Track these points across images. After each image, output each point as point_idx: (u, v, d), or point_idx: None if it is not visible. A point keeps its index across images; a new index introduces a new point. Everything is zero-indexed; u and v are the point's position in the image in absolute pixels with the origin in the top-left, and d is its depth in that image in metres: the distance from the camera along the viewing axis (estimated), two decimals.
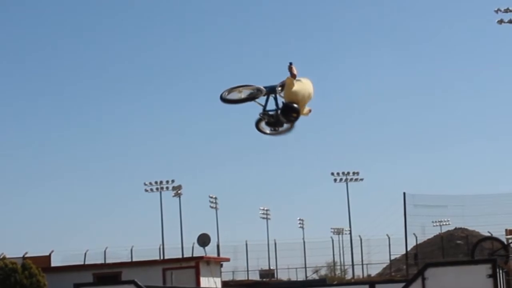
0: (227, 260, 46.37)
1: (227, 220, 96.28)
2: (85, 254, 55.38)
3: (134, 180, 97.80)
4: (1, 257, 37.81)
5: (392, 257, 62.62)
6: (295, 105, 12.34)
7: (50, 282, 36.73)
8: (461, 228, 65.35)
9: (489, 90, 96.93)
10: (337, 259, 68.50)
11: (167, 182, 71.00)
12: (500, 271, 17.94)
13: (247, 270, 64.61)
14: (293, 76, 12.43)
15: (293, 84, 12.42)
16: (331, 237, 67.76)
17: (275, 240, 64.78)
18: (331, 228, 75.69)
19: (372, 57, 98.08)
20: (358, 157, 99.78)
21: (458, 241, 64.68)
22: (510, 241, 24.24)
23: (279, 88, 12.82)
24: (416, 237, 57.80)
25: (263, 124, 13.02)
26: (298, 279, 62.00)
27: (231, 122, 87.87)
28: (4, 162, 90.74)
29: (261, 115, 12.84)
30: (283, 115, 12.45)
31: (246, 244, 63.79)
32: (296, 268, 65.21)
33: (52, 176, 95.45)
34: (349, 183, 72.24)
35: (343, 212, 71.73)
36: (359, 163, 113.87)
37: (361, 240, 64.28)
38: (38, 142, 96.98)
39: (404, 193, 55.18)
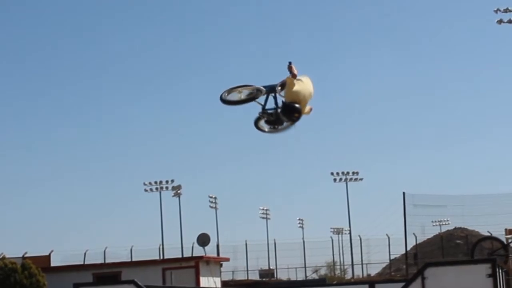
0: (227, 260, 46.39)
1: (227, 220, 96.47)
2: (85, 254, 55.37)
3: (134, 180, 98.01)
4: (1, 257, 37.80)
5: (392, 257, 62.62)
6: (297, 105, 12.36)
7: (49, 282, 36.73)
8: (460, 228, 65.32)
9: (489, 90, 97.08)
10: (336, 259, 68.61)
11: (167, 182, 71.02)
12: (500, 271, 17.94)
13: (247, 270, 64.64)
14: (293, 76, 12.44)
15: (293, 84, 12.43)
16: (331, 237, 67.85)
17: (274, 240, 64.83)
18: (331, 228, 75.84)
19: (372, 57, 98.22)
20: (358, 157, 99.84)
21: (458, 241, 64.65)
22: (509, 240, 24.22)
23: (279, 88, 12.83)
24: (416, 237, 57.79)
25: (262, 123, 13.02)
26: (298, 279, 61.98)
27: (231, 122, 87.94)
28: (4, 162, 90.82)
29: (261, 114, 12.85)
30: (285, 115, 12.47)
31: (246, 244, 63.80)
32: (296, 268, 65.21)
33: (52, 176, 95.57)
34: (348, 183, 72.33)
35: (343, 212, 71.85)
36: (359, 163, 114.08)
37: (360, 240, 64.29)
38: (38, 142, 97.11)
39: (404, 193, 55.20)
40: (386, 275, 60.72)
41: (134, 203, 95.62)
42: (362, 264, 65.60)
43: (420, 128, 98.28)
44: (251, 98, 12.85)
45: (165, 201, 71.12)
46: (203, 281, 38.29)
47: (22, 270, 35.83)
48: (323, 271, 66.72)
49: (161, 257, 54.96)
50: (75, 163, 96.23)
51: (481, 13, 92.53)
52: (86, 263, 50.50)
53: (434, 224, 64.97)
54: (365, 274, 65.13)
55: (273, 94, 12.84)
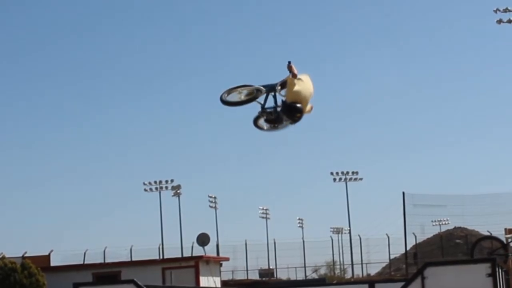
0: (227, 259, 46.42)
1: (227, 220, 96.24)
2: (85, 253, 55.40)
3: (134, 180, 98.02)
4: (1, 256, 37.78)
5: (392, 257, 62.66)
6: (299, 105, 12.39)
7: (49, 282, 36.73)
8: (460, 228, 65.35)
9: (489, 90, 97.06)
10: (336, 258, 68.66)
11: (167, 181, 71.06)
12: (500, 270, 17.93)
13: (247, 270, 64.67)
14: (293, 75, 12.46)
15: (294, 84, 12.44)
16: (331, 237, 67.90)
17: (274, 239, 64.87)
18: (331, 228, 75.85)
19: (372, 57, 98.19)
20: (358, 157, 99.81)
21: (458, 241, 64.67)
22: (509, 240, 24.22)
23: (279, 87, 12.84)
24: (416, 237, 57.81)
25: (261, 121, 13.03)
26: (298, 279, 61.99)
27: (231, 122, 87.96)
28: (4, 161, 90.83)
29: (260, 113, 12.86)
30: (288, 115, 12.49)
31: (246, 244, 63.82)
32: (296, 268, 65.25)
33: (51, 176, 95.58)
34: (348, 183, 72.38)
35: (343, 211, 71.88)
36: (359, 162, 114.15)
37: (360, 239, 64.32)
38: (38, 142, 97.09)
39: (404, 193, 55.22)
40: (386, 275, 60.76)
41: (134, 203, 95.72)
42: (362, 263, 65.67)
43: (420, 128, 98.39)
44: (251, 98, 12.86)
45: (165, 201, 71.25)
46: (203, 280, 38.29)
47: (22, 270, 35.83)
48: (323, 271, 66.78)
49: (161, 257, 54.93)
50: (75, 163, 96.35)
51: (481, 13, 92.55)
52: (85, 262, 50.54)
53: (433, 223, 65.06)
54: (365, 274, 65.17)
55: (272, 94, 12.86)
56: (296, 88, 12.43)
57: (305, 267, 65.11)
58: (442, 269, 17.57)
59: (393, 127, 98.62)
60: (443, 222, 66.99)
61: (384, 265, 65.80)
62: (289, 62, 12.52)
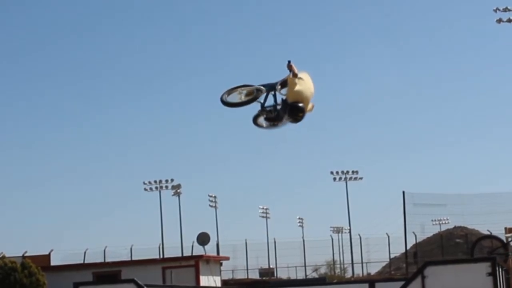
0: (227, 259, 46.39)
1: (227, 219, 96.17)
2: (85, 253, 55.41)
3: (134, 179, 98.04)
4: (1, 256, 37.76)
5: (392, 256, 62.66)
6: (301, 105, 12.41)
7: (49, 281, 36.72)
8: (460, 227, 65.36)
9: (489, 89, 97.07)
10: (336, 257, 68.64)
11: (167, 181, 71.07)
12: (500, 270, 17.93)
13: (247, 269, 64.67)
14: (294, 75, 12.48)
15: (295, 84, 12.46)
16: (331, 236, 67.87)
17: (274, 239, 64.88)
18: (331, 227, 75.83)
19: (372, 56, 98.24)
20: (358, 156, 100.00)
21: (458, 240, 64.67)
22: (509, 239, 24.22)
23: (279, 86, 12.85)
24: (416, 236, 57.80)
25: (261, 119, 13.05)
26: (298, 278, 61.98)
27: (230, 121, 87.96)
28: (4, 161, 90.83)
29: (260, 111, 12.87)
30: (290, 115, 12.50)
31: (246, 243, 63.82)
32: (296, 267, 65.25)
33: (51, 176, 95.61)
34: (348, 182, 72.36)
35: (343, 211, 71.88)
36: (359, 162, 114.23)
37: (360, 238, 64.29)
38: (38, 141, 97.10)
39: (404, 192, 55.23)
40: (386, 274, 60.78)
41: (134, 203, 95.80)
42: (362, 263, 65.64)
43: (420, 128, 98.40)
44: (252, 99, 12.87)
45: (165, 200, 71.26)
46: (203, 280, 38.29)
47: (22, 269, 35.83)
48: (323, 270, 66.77)
49: (161, 256, 54.95)
50: (75, 163, 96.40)
51: (481, 12, 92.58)
52: (86, 262, 50.54)
53: (434, 223, 65.05)
54: (365, 273, 65.17)
55: (272, 93, 12.88)
56: (297, 88, 12.45)
57: (305, 266, 65.11)
58: (442, 268, 17.57)
59: (393, 127, 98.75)
60: (443, 221, 67.01)
61: (384, 264, 65.82)
62: (289, 61, 12.53)
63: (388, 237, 60.26)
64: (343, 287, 28.68)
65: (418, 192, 57.77)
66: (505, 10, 47.08)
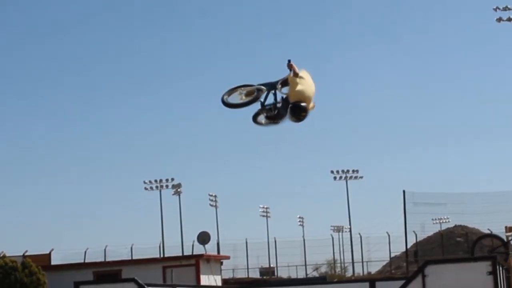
0: (227, 258, 46.38)
1: (227, 218, 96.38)
2: (85, 252, 55.43)
3: (134, 178, 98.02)
4: (1, 255, 37.78)
5: (392, 255, 62.66)
6: (303, 104, 12.44)
7: (50, 281, 36.73)
8: (461, 226, 65.37)
9: (489, 88, 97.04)
10: (337, 256, 68.62)
11: (167, 180, 71.06)
12: (500, 268, 17.93)
13: (247, 268, 64.67)
14: (295, 74, 12.49)
15: (297, 83, 12.48)
16: (331, 235, 67.86)
17: (275, 238, 64.89)
18: (331, 226, 75.81)
19: (372, 56, 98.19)
20: (358, 155, 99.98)
21: (458, 239, 64.70)
22: (510, 238, 24.24)
23: (280, 85, 12.85)
24: (416, 235, 57.79)
25: (260, 117, 13.06)
26: (298, 277, 61.99)
27: (231, 121, 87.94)
28: (4, 160, 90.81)
29: (260, 109, 12.88)
30: (293, 115, 12.51)
31: (246, 242, 63.83)
32: (296, 266, 65.29)
33: (52, 175, 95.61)
34: (348, 181, 72.25)
35: (343, 210, 71.83)
36: (359, 161, 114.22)
37: (361, 238, 64.31)
38: (38, 141, 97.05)
39: (404, 191, 55.15)
40: (386, 273, 60.80)
41: (134, 202, 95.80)
42: (362, 262, 65.63)
43: (420, 127, 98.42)
44: (253, 99, 12.88)
45: (165, 199, 71.25)
46: (204, 279, 38.29)
47: (23, 269, 35.83)
48: (323, 269, 66.77)
49: (162, 256, 55.02)
50: (75, 162, 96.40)
51: (481, 11, 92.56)
52: (86, 261, 50.59)
53: (434, 222, 65.01)
54: (365, 272, 65.17)
55: (273, 92, 12.89)
56: (299, 87, 12.47)
57: (305, 265, 65.14)
58: (443, 267, 17.57)
59: (394, 126, 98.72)
60: (444, 220, 66.99)
61: (384, 263, 65.85)
62: (289, 61, 12.54)
63: (389, 236, 60.28)
64: (344, 286, 28.62)
65: (419, 191, 57.75)
66: (505, 9, 47.07)
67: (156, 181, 71.26)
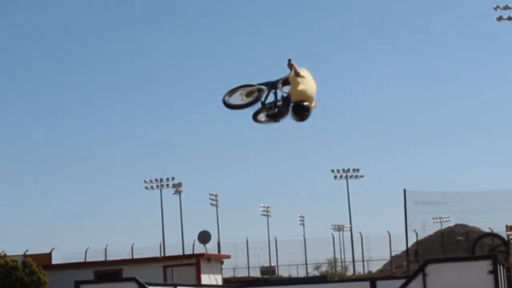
0: (228, 257, 46.41)
1: (228, 217, 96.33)
2: (86, 251, 55.45)
3: (134, 177, 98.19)
4: (2, 255, 37.85)
5: (393, 254, 62.69)
6: (306, 104, 12.46)
7: (50, 280, 36.77)
8: (461, 225, 65.40)
9: (488, 87, 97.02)
10: (337, 255, 68.69)
11: (167, 179, 71.08)
12: (501, 267, 17.92)
13: (248, 267, 64.72)
14: (296, 74, 12.50)
15: (298, 83, 12.50)
16: (332, 234, 67.87)
17: (275, 237, 64.96)
18: (332, 225, 75.80)
19: (373, 55, 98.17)
20: (359, 154, 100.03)
21: (459, 238, 64.74)
22: (510, 237, 24.21)
23: (280, 85, 12.86)
24: (417, 234, 57.83)
25: (260, 116, 13.07)
26: (299, 276, 62.01)
27: (231, 120, 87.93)
28: (5, 160, 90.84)
29: (261, 108, 12.89)
30: (296, 115, 12.53)
31: (247, 241, 63.91)
32: (297, 265, 65.34)
33: (52, 174, 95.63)
34: (349, 180, 72.22)
35: (344, 209, 71.83)
36: (360, 160, 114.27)
37: (361, 236, 64.36)
38: (38, 140, 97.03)
39: (405, 190, 55.13)
40: (387, 272, 60.82)
41: (134, 201, 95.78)
42: (363, 261, 65.69)
43: (420, 126, 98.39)
44: (254, 100, 12.89)
45: (166, 198, 71.29)
46: (204, 278, 38.32)
47: (23, 268, 35.87)
48: (324, 268, 66.80)
49: (162, 255, 55.07)
50: (76, 161, 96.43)
51: (481, 10, 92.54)
52: (87, 260, 50.60)
53: (434, 221, 65.01)
54: (366, 271, 65.20)
55: (274, 91, 12.91)
56: (301, 87, 12.49)
57: (306, 264, 65.19)
58: (443, 266, 17.54)
59: (394, 125, 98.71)
60: (444, 219, 67.00)
61: (385, 262, 65.88)
62: (289, 60, 12.54)
63: (389, 235, 60.34)
64: (344, 285, 28.61)
65: (419, 190, 57.73)
66: (506, 8, 47.07)
67: (156, 180, 71.30)
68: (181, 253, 54.85)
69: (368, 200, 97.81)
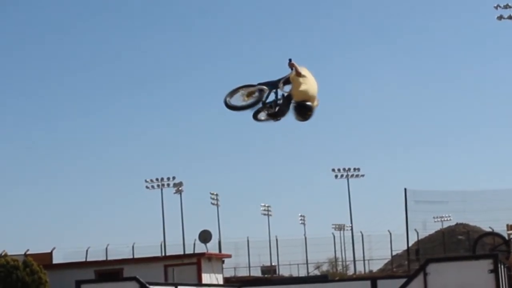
0: (229, 256, 46.39)
1: (229, 217, 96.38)
2: (87, 251, 55.43)
3: (135, 177, 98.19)
4: (3, 254, 37.85)
5: (394, 253, 62.70)
6: (309, 104, 12.47)
7: (51, 279, 36.78)
8: (462, 224, 65.36)
9: (489, 87, 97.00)
10: (338, 255, 68.71)
11: (168, 179, 71.06)
12: (502, 266, 17.92)
13: (249, 267, 64.70)
14: (298, 74, 12.50)
15: (300, 83, 12.51)
16: (333, 233, 67.85)
17: (276, 236, 64.96)
18: (333, 224, 75.79)
19: (373, 54, 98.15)
20: (359, 153, 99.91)
21: (460, 237, 64.71)
22: (511, 236, 24.24)
23: (281, 84, 12.87)
24: (418, 233, 57.79)
25: (260, 114, 13.08)
26: (300, 275, 61.99)
27: (232, 119, 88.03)
28: (5, 159, 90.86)
29: (261, 107, 12.90)
30: (299, 115, 12.55)
31: (248, 241, 63.88)
32: (298, 264, 65.33)
33: (53, 173, 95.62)
34: (350, 179, 72.17)
35: (344, 208, 71.83)
36: (360, 159, 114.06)
37: (362, 236, 64.34)
38: (39, 140, 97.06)
39: (405, 189, 55.11)
40: (388, 271, 60.78)
41: (135, 200, 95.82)
42: (364, 260, 65.68)
43: (421, 125, 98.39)
44: (256, 101, 12.90)
45: (167, 198, 71.29)
46: (205, 277, 38.32)
47: (24, 268, 35.88)
48: (325, 268, 66.78)
49: (163, 254, 55.05)
50: (77, 161, 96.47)
51: (481, 9, 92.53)
52: (88, 260, 50.56)
53: (435, 220, 64.99)
54: (367, 270, 65.18)
55: (274, 91, 12.91)
56: (303, 87, 12.51)
57: (307, 263, 65.15)
58: (444, 265, 17.54)
59: (395, 124, 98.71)
60: (445, 219, 66.97)
61: (386, 261, 65.85)
62: (290, 60, 12.55)
63: (390, 234, 60.35)
64: (345, 285, 28.58)
65: (420, 189, 57.72)
66: (506, 7, 47.06)
67: (157, 179, 71.28)
68: (182, 253, 54.90)
69: (369, 200, 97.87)
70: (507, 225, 35.51)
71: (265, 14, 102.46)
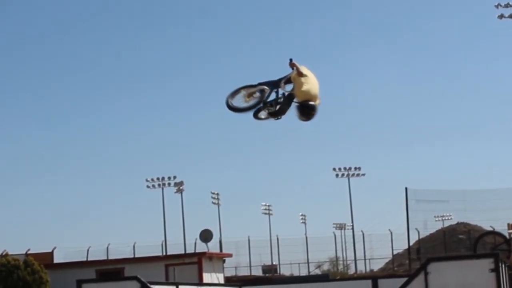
0: (230, 255, 46.41)
1: (229, 216, 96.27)
2: (88, 250, 55.45)
3: (136, 176, 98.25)
4: (4, 254, 37.86)
5: (395, 252, 62.72)
6: (312, 103, 12.48)
7: (52, 279, 36.79)
8: (463, 223, 65.32)
9: (489, 86, 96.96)
10: (339, 254, 68.71)
11: (169, 178, 71.08)
12: (503, 265, 17.93)
13: (250, 266, 64.71)
14: (299, 74, 12.51)
15: (302, 83, 12.53)
16: (333, 233, 67.92)
17: (277, 235, 64.98)
18: (333, 224, 75.76)
19: (373, 54, 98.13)
20: (360, 153, 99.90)
21: (460, 236, 64.67)
22: None
23: (283, 84, 12.87)
24: (419, 232, 57.77)
25: (261, 114, 13.09)
26: (301, 275, 62.00)
27: (232, 118, 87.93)
28: (5, 159, 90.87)
29: (262, 106, 12.91)
30: (303, 115, 12.56)
31: (249, 240, 63.90)
32: (299, 264, 65.33)
33: (54, 173, 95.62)
34: (351, 179, 72.19)
35: (345, 207, 71.85)
36: (361, 158, 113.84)
37: (363, 235, 64.36)
38: (39, 140, 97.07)
39: (406, 188, 55.11)
40: (389, 270, 60.76)
41: (136, 200, 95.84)
42: (365, 259, 65.72)
43: (422, 124, 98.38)
44: (258, 102, 12.91)
45: (168, 197, 71.31)
46: (206, 277, 38.32)
47: (25, 267, 35.89)
48: (326, 267, 66.76)
49: (164, 253, 55.03)
50: (77, 160, 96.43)
51: (482, 8, 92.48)
52: (89, 259, 50.56)
53: (436, 219, 64.98)
54: (368, 270, 65.20)
55: (275, 90, 12.92)
56: (305, 87, 12.53)
57: (308, 263, 65.16)
58: (445, 265, 17.55)
59: (396, 123, 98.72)
60: (446, 218, 66.95)
61: (387, 260, 65.84)
62: (291, 60, 12.56)
63: (391, 233, 60.38)
64: (346, 284, 28.57)
65: (421, 188, 57.69)
66: (507, 6, 47.05)
67: (158, 179, 71.31)
68: (183, 252, 54.86)
69: (369, 199, 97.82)
70: (508, 224, 35.51)
71: (265, 14, 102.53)
